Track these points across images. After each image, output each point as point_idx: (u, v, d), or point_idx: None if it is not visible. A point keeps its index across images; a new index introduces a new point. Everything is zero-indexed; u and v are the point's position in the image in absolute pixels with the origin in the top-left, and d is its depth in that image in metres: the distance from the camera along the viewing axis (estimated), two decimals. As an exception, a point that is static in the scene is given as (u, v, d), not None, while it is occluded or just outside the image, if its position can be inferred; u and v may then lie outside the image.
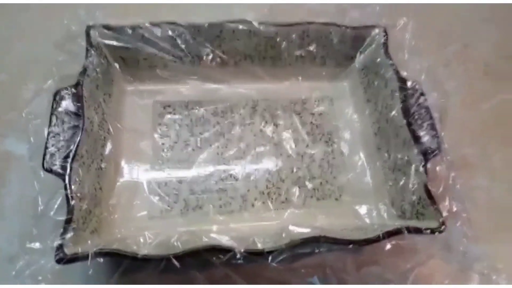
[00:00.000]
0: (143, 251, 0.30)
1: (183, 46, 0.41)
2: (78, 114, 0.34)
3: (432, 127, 0.37)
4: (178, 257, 0.29)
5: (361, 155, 0.43)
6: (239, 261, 0.31)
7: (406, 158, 0.37)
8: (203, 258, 0.31)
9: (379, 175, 0.40)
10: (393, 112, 0.38)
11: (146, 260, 0.29)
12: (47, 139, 0.33)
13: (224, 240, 0.32)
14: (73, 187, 0.31)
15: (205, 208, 0.38)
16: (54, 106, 0.34)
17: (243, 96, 0.45)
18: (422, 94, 0.39)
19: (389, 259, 0.36)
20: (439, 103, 0.41)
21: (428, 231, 0.32)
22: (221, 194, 0.39)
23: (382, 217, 0.38)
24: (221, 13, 0.44)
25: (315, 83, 0.46)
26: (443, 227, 0.33)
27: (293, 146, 0.43)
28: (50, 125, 0.33)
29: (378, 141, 0.41)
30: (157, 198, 0.38)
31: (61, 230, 0.29)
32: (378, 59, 0.41)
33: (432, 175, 0.37)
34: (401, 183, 0.37)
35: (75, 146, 0.32)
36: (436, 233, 0.33)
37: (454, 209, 0.39)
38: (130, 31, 0.39)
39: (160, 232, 0.34)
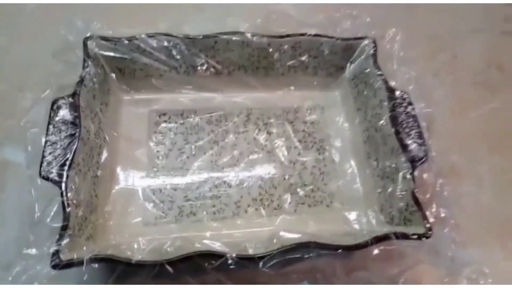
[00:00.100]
0: (137, 256, 0.30)
1: (178, 57, 0.42)
2: (75, 123, 0.35)
3: (420, 135, 0.38)
4: (171, 262, 0.30)
5: (352, 162, 0.44)
6: (231, 267, 0.31)
7: (394, 165, 0.38)
8: (196, 264, 0.32)
9: (369, 182, 0.41)
10: (382, 121, 0.39)
11: (140, 266, 0.30)
12: (44, 147, 0.34)
13: (217, 246, 0.32)
14: (69, 194, 0.32)
15: (199, 214, 0.39)
16: (52, 115, 0.35)
17: (237, 105, 0.46)
18: (410, 103, 0.40)
19: (378, 264, 0.37)
20: (427, 112, 0.42)
21: (415, 236, 0.33)
22: (215, 201, 0.40)
23: (371, 223, 0.39)
24: (216, 23, 0.45)
25: (307, 92, 0.47)
26: (429, 233, 0.34)
27: (286, 153, 0.44)
28: (47, 134, 0.34)
29: (368, 149, 0.42)
30: (151, 205, 0.39)
31: (57, 236, 0.30)
32: (368, 70, 0.42)
33: (420, 182, 0.38)
34: (390, 190, 0.38)
35: (72, 154, 0.33)
36: (423, 239, 0.34)
37: (442, 215, 0.40)
38: (126, 42, 0.40)
39: (154, 238, 0.34)
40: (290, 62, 0.44)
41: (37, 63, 0.44)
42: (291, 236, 0.34)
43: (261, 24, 0.47)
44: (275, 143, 0.44)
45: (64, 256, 0.29)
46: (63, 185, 0.32)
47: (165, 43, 0.41)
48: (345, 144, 0.45)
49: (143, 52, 0.41)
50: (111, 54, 0.40)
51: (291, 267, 0.36)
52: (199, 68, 0.43)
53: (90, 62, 0.38)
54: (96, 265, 0.30)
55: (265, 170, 0.43)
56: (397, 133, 0.38)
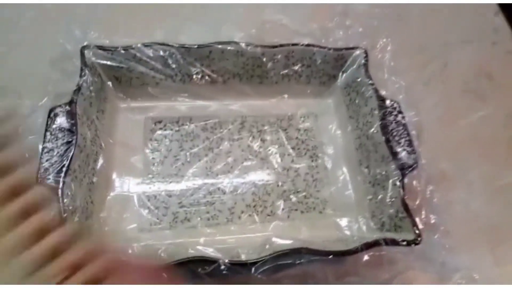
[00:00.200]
0: (132, 262, 0.31)
1: (174, 66, 0.43)
2: (71, 131, 0.35)
3: (410, 143, 0.39)
4: (164, 268, 0.31)
5: (344, 169, 0.45)
6: (223, 272, 0.32)
7: (384, 173, 0.39)
8: (189, 269, 0.32)
9: (360, 189, 0.42)
10: (373, 129, 0.40)
11: (134, 271, 0.30)
12: (41, 154, 0.34)
13: (210, 252, 0.33)
14: (65, 200, 0.32)
15: (193, 220, 0.40)
16: (49, 122, 0.36)
17: (232, 112, 0.47)
18: (400, 112, 0.41)
19: (369, 270, 0.38)
20: (417, 121, 0.43)
21: (405, 243, 0.34)
22: (209, 207, 0.41)
23: (362, 229, 0.40)
24: (211, 33, 0.46)
25: (301, 100, 0.48)
26: (419, 239, 0.35)
27: (279, 160, 0.45)
28: (44, 141, 0.35)
29: (360, 156, 0.43)
30: (146, 211, 0.40)
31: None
32: (359, 79, 0.43)
33: (410, 189, 0.39)
34: (380, 197, 0.38)
35: (68, 161, 0.34)
36: (413, 245, 0.35)
37: (432, 221, 0.41)
38: (123, 52, 0.41)
39: (148, 244, 0.35)
40: (284, 71, 0.45)
41: (35, 71, 0.45)
42: (283, 242, 0.34)
43: (255, 34, 0.48)
44: (269, 150, 0.45)
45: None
46: (60, 191, 0.32)
47: (161, 53, 0.42)
48: (337, 151, 0.46)
49: (139, 61, 0.42)
50: (108, 63, 0.41)
51: (283, 272, 0.37)
52: (194, 76, 0.44)
53: (87, 71, 0.39)
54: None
55: (259, 176, 0.43)
56: (387, 141, 0.39)
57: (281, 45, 0.43)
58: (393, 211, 0.37)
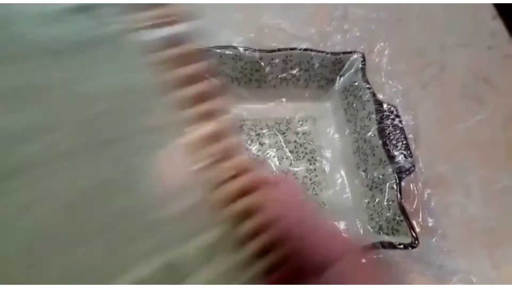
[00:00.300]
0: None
1: (172, 70, 0.43)
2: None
3: (407, 147, 0.40)
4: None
5: (342, 173, 0.45)
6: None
7: (382, 176, 0.39)
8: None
9: (358, 193, 0.42)
10: (370, 133, 0.41)
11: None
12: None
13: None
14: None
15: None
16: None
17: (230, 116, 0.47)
18: (397, 116, 0.41)
19: (366, 273, 0.38)
20: (414, 124, 0.44)
21: (402, 246, 0.34)
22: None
23: (359, 232, 0.40)
24: (210, 37, 0.46)
25: (299, 104, 0.49)
26: (416, 242, 0.35)
27: (277, 163, 0.45)
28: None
29: (357, 159, 0.43)
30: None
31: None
32: (356, 83, 0.44)
33: (407, 193, 0.39)
34: (377, 200, 0.39)
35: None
36: (410, 248, 0.35)
37: (429, 224, 0.41)
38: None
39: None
40: (282, 75, 0.46)
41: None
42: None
43: (254, 38, 0.48)
44: (267, 153, 0.45)
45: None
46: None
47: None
48: (335, 154, 0.46)
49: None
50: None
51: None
52: (193, 80, 0.44)
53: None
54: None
55: (257, 180, 0.43)
56: (385, 144, 0.39)
57: (279, 49, 0.44)
58: (391, 215, 0.37)
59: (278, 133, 0.47)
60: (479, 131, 0.51)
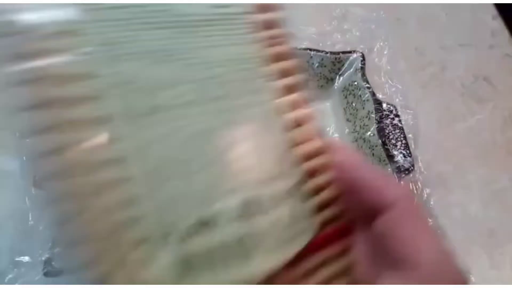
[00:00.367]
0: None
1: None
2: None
3: (406, 146, 0.39)
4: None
5: (341, 172, 0.45)
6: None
7: (381, 176, 0.39)
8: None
9: (357, 192, 0.42)
10: (369, 132, 0.41)
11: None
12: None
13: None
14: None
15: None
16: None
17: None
18: (396, 115, 0.41)
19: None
20: (414, 124, 0.43)
21: (401, 245, 0.34)
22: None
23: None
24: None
25: (298, 103, 0.48)
26: (415, 242, 0.35)
27: (277, 163, 0.45)
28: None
29: (357, 159, 0.43)
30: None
31: (50, 244, 0.31)
32: (356, 82, 0.44)
33: (406, 192, 0.39)
34: (377, 199, 0.38)
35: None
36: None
37: (429, 224, 0.41)
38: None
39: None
40: (281, 74, 0.46)
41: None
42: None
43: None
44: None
45: (56, 264, 0.30)
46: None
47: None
48: (335, 154, 0.46)
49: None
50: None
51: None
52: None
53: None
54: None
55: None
56: (384, 144, 0.39)
57: (278, 49, 0.44)
58: (390, 214, 0.37)
59: (277, 133, 0.47)
60: (479, 131, 0.51)
